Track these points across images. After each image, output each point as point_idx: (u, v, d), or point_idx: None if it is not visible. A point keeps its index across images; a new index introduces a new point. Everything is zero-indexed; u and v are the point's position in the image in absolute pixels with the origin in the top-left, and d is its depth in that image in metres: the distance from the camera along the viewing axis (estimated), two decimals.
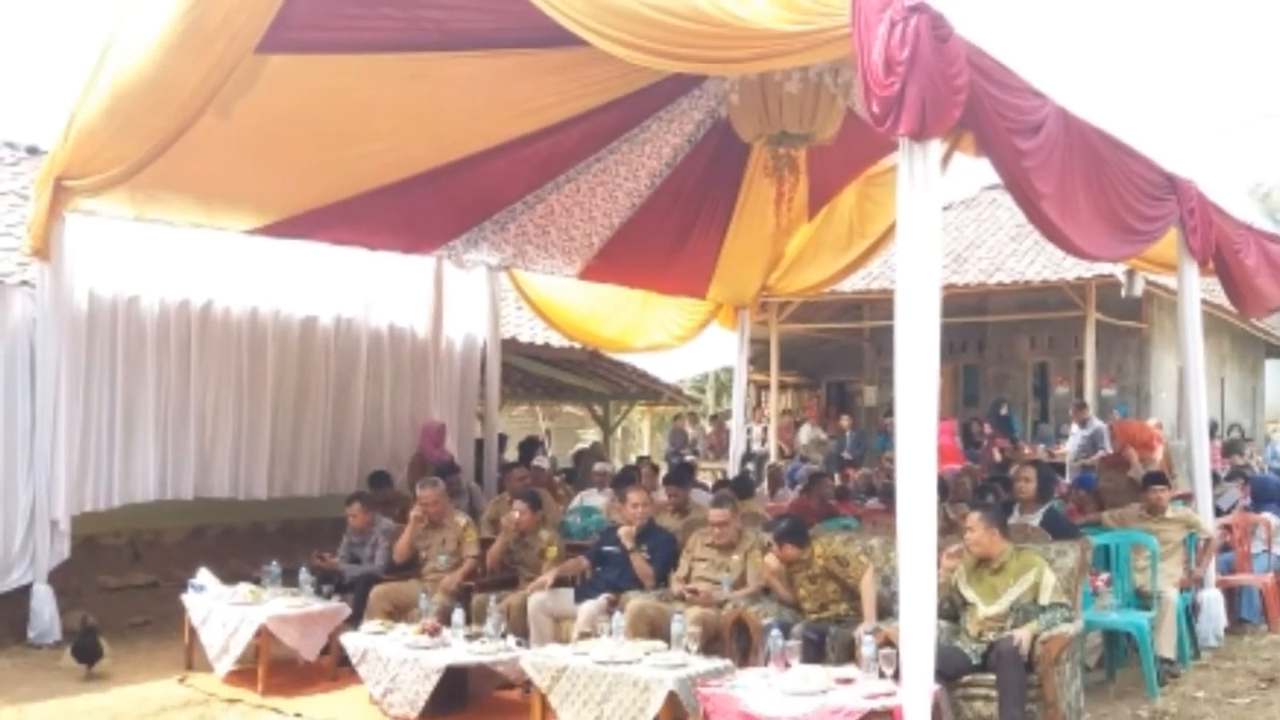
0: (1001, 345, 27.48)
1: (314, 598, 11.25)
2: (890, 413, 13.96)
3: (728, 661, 8.92)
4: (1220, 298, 16.84)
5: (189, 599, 11.42)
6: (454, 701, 9.78)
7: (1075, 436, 22.00)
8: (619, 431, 30.49)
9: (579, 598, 11.04)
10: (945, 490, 12.15)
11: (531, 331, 20.97)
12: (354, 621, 11.09)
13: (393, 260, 16.01)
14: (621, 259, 17.07)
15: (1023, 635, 8.49)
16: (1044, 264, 23.26)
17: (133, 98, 10.95)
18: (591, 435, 30.31)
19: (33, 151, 16.65)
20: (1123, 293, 21.39)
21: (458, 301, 17.28)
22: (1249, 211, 16.16)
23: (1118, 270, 20.61)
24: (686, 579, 10.79)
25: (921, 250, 7.65)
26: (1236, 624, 13.09)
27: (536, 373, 22.85)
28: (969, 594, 9.06)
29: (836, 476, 18.94)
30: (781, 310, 25.77)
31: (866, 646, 8.05)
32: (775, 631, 8.57)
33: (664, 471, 17.42)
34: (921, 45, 7.32)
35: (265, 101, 11.48)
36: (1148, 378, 25.72)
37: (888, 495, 13.22)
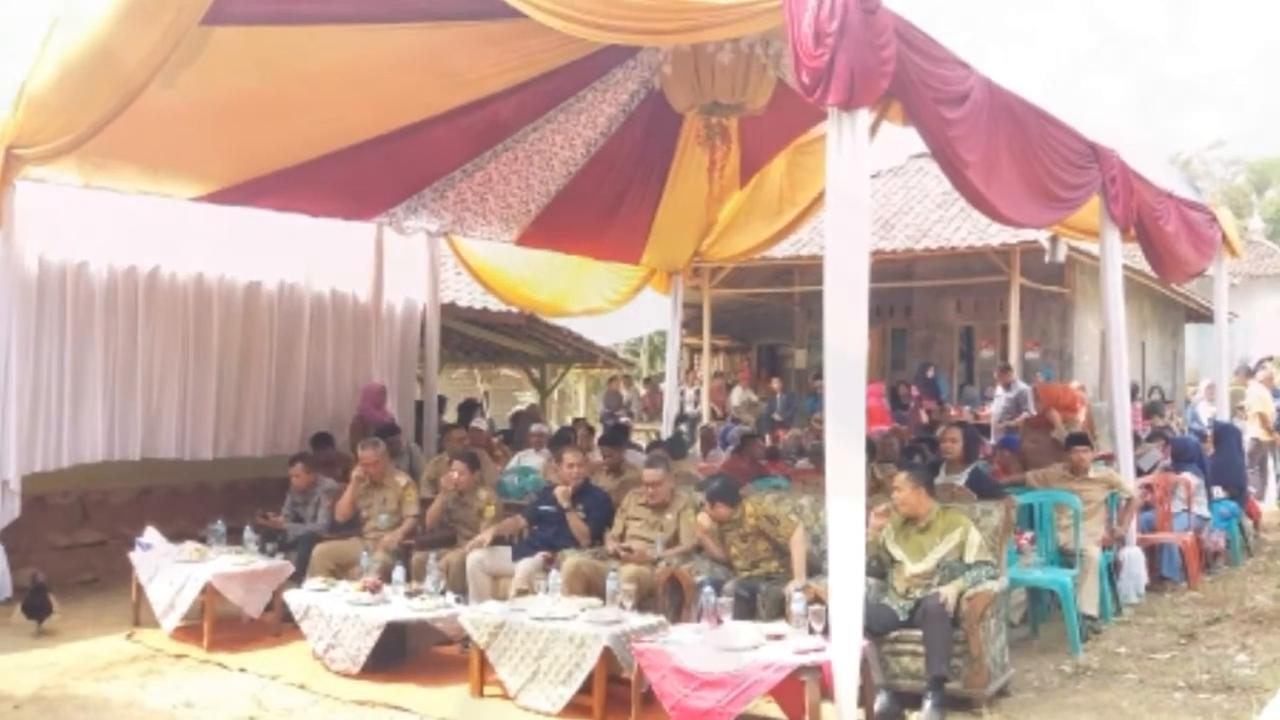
0: (928, 309, 27.60)
1: (258, 556, 11.24)
2: (820, 375, 14.03)
3: (661, 618, 8.98)
4: (1141, 263, 16.95)
5: (136, 557, 11.39)
6: (394, 657, 9.78)
7: (1000, 398, 22.16)
8: (555, 394, 30.47)
9: (516, 556, 11.08)
10: (873, 451, 12.19)
11: (470, 296, 20.87)
12: (297, 579, 11.10)
13: (335, 226, 15.86)
14: (558, 225, 17.01)
15: (948, 592, 8.56)
16: (969, 230, 23.34)
17: (81, 69, 10.81)
18: (528, 397, 30.23)
19: None
20: (1046, 258, 21.44)
21: (398, 267, 17.18)
22: (1170, 180, 16.19)
23: (1041, 236, 20.65)
24: (621, 537, 10.84)
25: (850, 217, 7.69)
26: (1157, 581, 13.18)
27: (475, 336, 22.75)
28: (896, 552, 9.10)
29: (767, 437, 19.05)
30: (714, 275, 25.75)
31: (796, 603, 8.09)
32: (708, 588, 8.60)
33: (599, 433, 17.40)
34: (850, 17, 7.35)
35: (210, 72, 11.35)
36: (1071, 341, 25.91)
37: (817, 456, 13.24)
